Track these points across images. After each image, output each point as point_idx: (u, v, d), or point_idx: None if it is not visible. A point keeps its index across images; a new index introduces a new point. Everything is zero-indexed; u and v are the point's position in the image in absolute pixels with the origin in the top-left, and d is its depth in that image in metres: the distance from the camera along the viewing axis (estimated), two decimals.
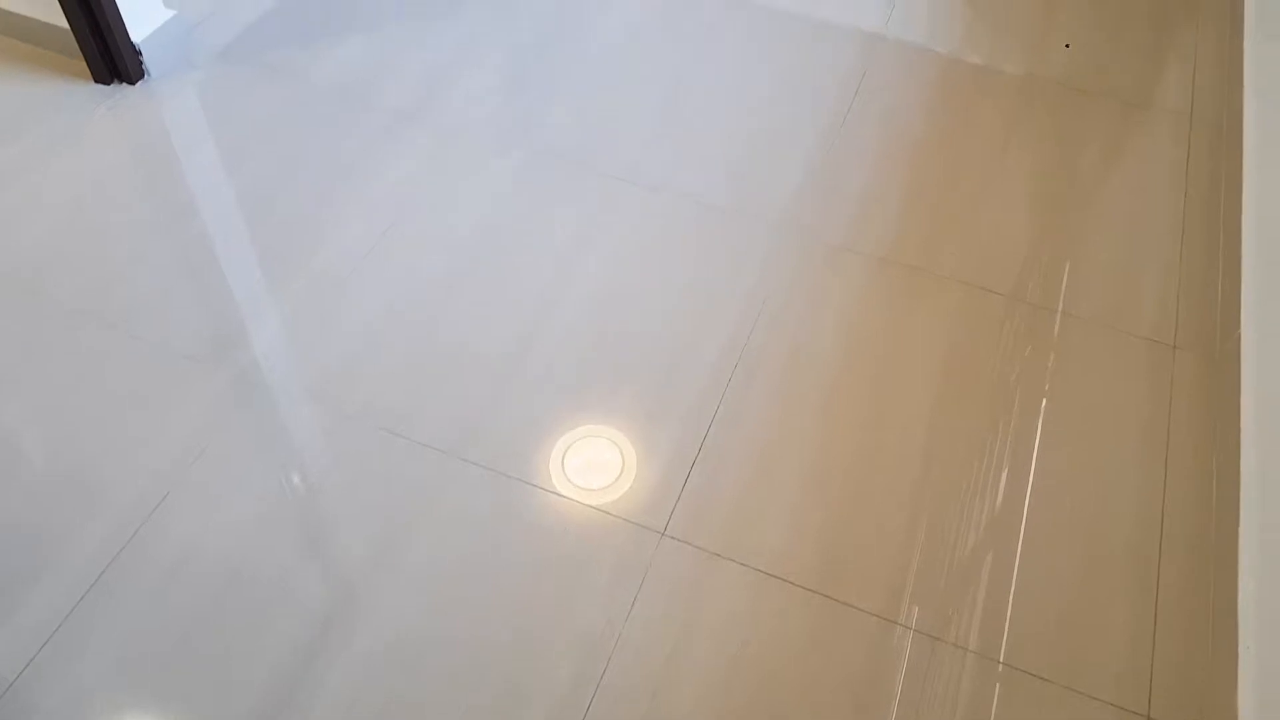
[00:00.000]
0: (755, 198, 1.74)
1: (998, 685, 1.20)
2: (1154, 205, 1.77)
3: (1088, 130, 1.90)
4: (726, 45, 2.03)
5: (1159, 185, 1.81)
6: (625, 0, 2.11)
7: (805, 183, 1.77)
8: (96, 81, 1.83)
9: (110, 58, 1.80)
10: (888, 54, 2.03)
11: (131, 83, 1.83)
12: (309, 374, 1.44)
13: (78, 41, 1.78)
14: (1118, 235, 1.72)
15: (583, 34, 2.03)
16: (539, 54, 1.98)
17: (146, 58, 1.82)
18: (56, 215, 1.62)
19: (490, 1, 2.09)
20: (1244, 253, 1.60)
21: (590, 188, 1.74)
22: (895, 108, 1.92)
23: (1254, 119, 1.78)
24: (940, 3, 2.17)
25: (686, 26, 2.06)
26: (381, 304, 1.54)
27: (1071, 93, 1.98)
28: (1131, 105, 1.96)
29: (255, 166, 1.73)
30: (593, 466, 1.37)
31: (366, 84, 1.89)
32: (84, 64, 1.84)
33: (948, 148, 1.85)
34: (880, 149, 1.84)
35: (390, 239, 1.63)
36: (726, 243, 1.67)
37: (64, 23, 1.79)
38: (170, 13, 1.85)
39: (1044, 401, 1.48)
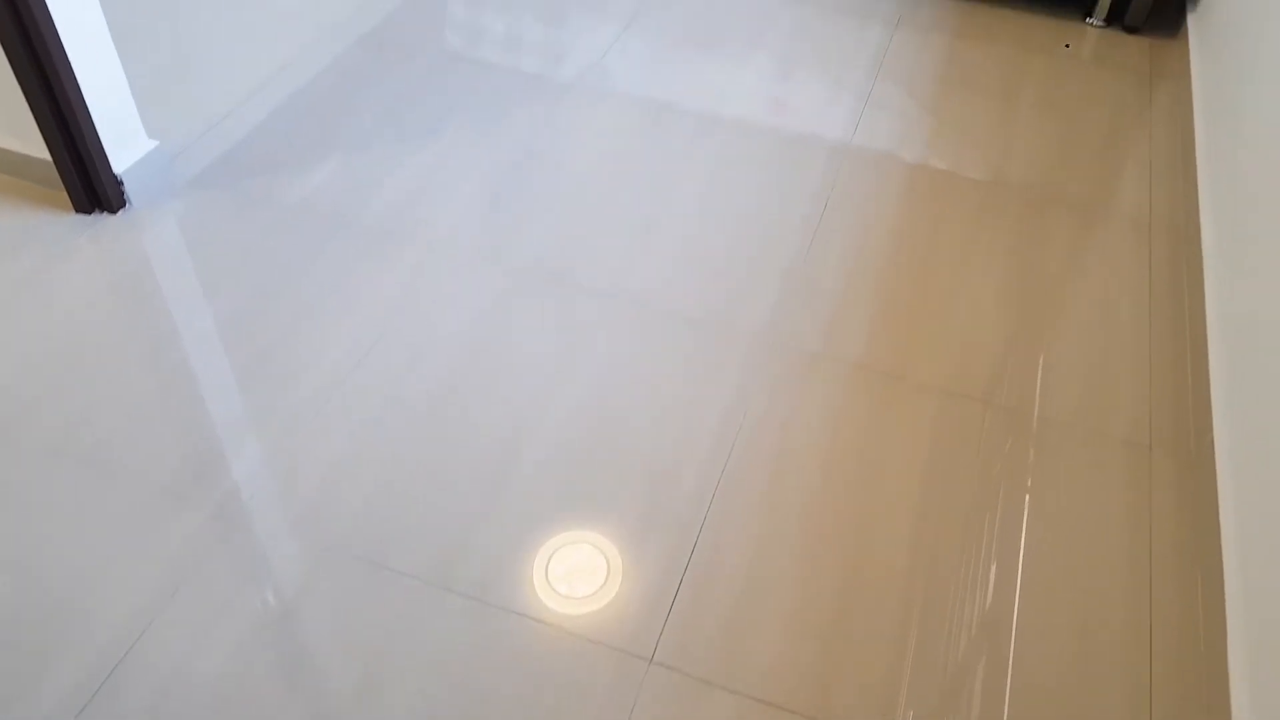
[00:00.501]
0: (733, 310, 1.76)
1: None
2: (1120, 308, 1.81)
3: (1051, 235, 1.95)
4: (701, 162, 2.08)
5: (1123, 289, 1.85)
6: (602, 121, 2.17)
7: (782, 294, 1.80)
8: (78, 211, 1.85)
9: (92, 188, 1.83)
10: (856, 162, 2.10)
11: (113, 212, 1.85)
12: (289, 504, 1.43)
13: (60, 173, 1.81)
14: (1087, 338, 1.75)
15: (561, 153, 2.08)
16: (518, 174, 2.03)
17: (128, 187, 1.85)
18: (35, 348, 1.62)
19: (467, 123, 2.14)
20: (1210, 353, 1.63)
21: (571, 304, 1.76)
22: (865, 216, 1.97)
23: (1210, 225, 1.84)
24: (904, 113, 2.25)
25: (661, 146, 2.12)
26: (362, 428, 1.54)
27: (1034, 198, 2.04)
28: (1092, 210, 2.02)
29: (236, 293, 1.74)
30: (578, 589, 1.35)
31: (346, 207, 1.92)
32: (65, 194, 1.87)
33: (917, 254, 1.89)
34: (852, 257, 1.88)
35: (370, 361, 1.64)
36: (707, 355, 1.68)
37: (46, 154, 1.81)
38: (153, 143, 1.88)
39: (1026, 507, 1.49)
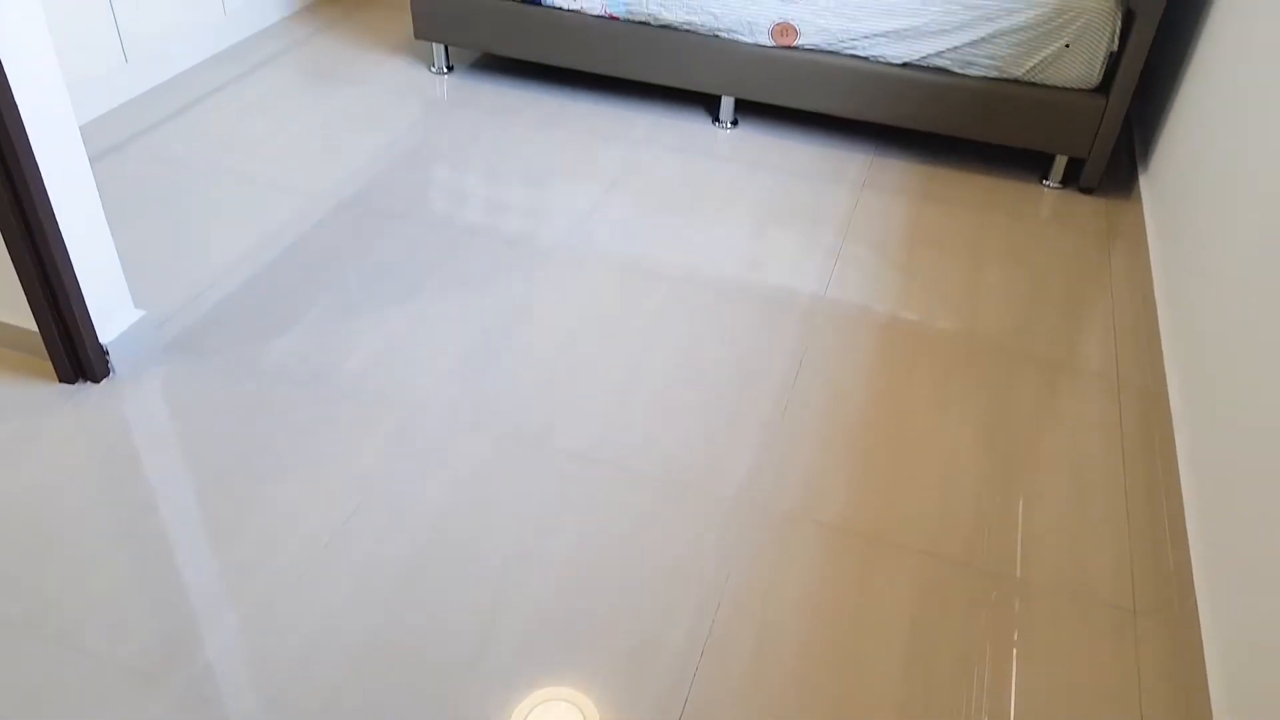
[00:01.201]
0: (713, 471, 1.78)
1: None
2: (1094, 467, 1.84)
3: (1022, 392, 2.00)
4: (678, 322, 2.14)
5: (1096, 448, 1.88)
6: (582, 283, 2.23)
7: (760, 453, 1.82)
8: (61, 381, 1.86)
9: (77, 358, 1.85)
10: (829, 319, 2.15)
11: (96, 381, 1.87)
12: (264, 679, 1.39)
13: (46, 344, 1.83)
14: (1065, 498, 1.77)
15: (541, 316, 2.13)
16: (499, 338, 2.07)
17: (113, 356, 1.87)
18: (7, 519, 1.60)
19: (449, 288, 2.20)
20: (1187, 514, 1.65)
21: (550, 469, 1.77)
22: (839, 373, 2.01)
23: (1177, 385, 1.89)
24: (874, 267, 2.33)
25: (640, 307, 2.18)
26: (339, 601, 1.51)
27: (1003, 355, 2.09)
28: (1061, 368, 2.07)
29: (214, 462, 1.74)
30: None
31: (327, 373, 1.94)
32: (50, 364, 1.88)
33: (892, 411, 1.92)
34: (828, 416, 1.91)
35: (348, 531, 1.63)
36: (686, 521, 1.68)
37: (33, 326, 1.84)
38: (140, 313, 1.92)
39: (1013, 675, 1.47)
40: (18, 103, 1.58)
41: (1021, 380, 2.03)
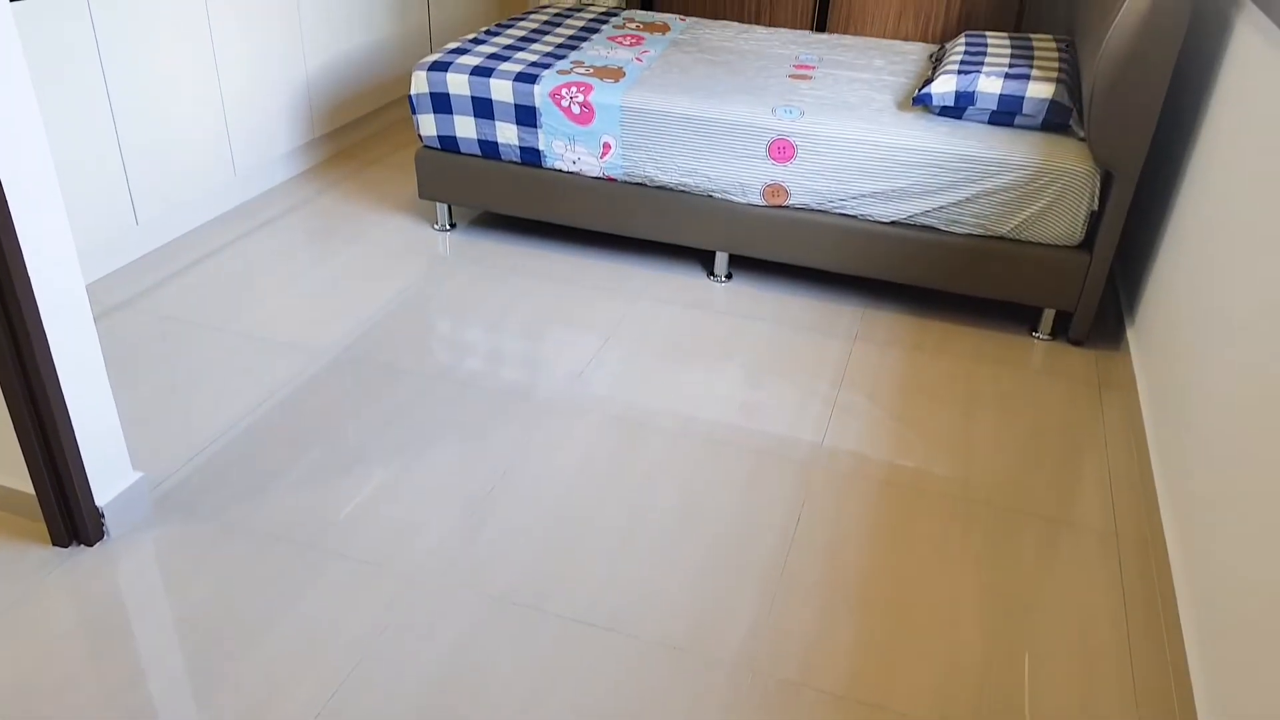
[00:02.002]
0: (710, 636, 1.74)
1: None
2: (1098, 626, 1.81)
3: (1022, 548, 1.98)
4: (676, 474, 2.14)
5: (1099, 606, 1.85)
6: (580, 436, 2.25)
7: (758, 616, 1.78)
8: (55, 544, 1.85)
9: (71, 521, 1.84)
10: (827, 471, 2.15)
11: (90, 544, 1.85)
12: None
13: (41, 506, 1.83)
14: (1069, 659, 1.73)
15: (540, 471, 2.13)
16: (497, 494, 2.06)
17: (108, 518, 1.86)
18: None
19: (447, 444, 2.21)
20: (1191, 670, 1.61)
21: (545, 632, 1.73)
22: (838, 527, 1.99)
23: (1175, 538, 1.88)
24: (871, 418, 2.35)
25: (638, 459, 2.18)
26: None
27: (1002, 508, 2.08)
28: (1059, 522, 2.06)
29: (206, 628, 1.71)
30: None
31: (322, 534, 1.93)
32: (43, 526, 1.87)
33: (891, 567, 1.90)
34: (828, 572, 1.88)
35: (342, 697, 1.58)
36: (683, 688, 1.64)
37: (28, 487, 1.84)
38: (137, 474, 1.92)
39: None
40: (28, 268, 1.63)
41: (1021, 535, 2.02)
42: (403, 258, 3.02)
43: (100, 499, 1.85)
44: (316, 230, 3.16)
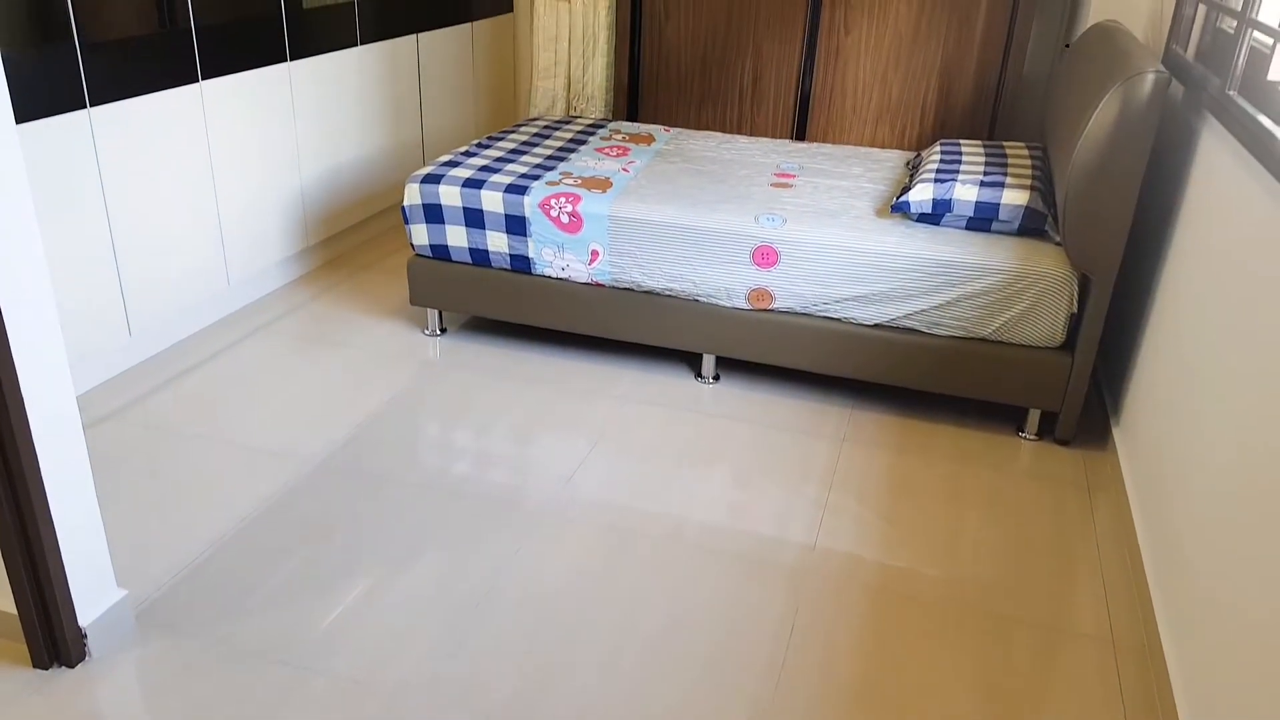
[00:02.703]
0: None
1: None
2: None
3: (1017, 655, 1.96)
4: (665, 583, 2.12)
5: (1097, 715, 1.83)
6: (569, 544, 2.23)
7: None
8: (35, 666, 1.81)
9: (54, 642, 1.80)
10: (819, 570, 2.14)
11: (71, 666, 1.82)
12: None
13: (23, 627, 1.79)
14: None
15: (528, 581, 2.11)
16: (485, 607, 2.04)
17: (90, 639, 1.83)
18: None
19: (435, 555, 2.19)
20: None
21: None
22: (831, 633, 1.97)
23: (1172, 646, 1.87)
24: (862, 520, 2.34)
25: (628, 567, 2.17)
26: None
27: (996, 615, 2.07)
28: (1053, 629, 2.04)
29: None
30: None
31: (306, 652, 1.90)
32: (24, 647, 1.84)
33: (886, 679, 1.87)
34: (821, 690, 1.85)
35: None
36: None
37: (10, 608, 1.81)
38: (122, 592, 1.89)
39: None
40: (21, 385, 1.64)
41: (1017, 643, 2.00)
42: (393, 363, 3.04)
43: (84, 619, 1.81)
44: (308, 336, 3.19)
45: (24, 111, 2.38)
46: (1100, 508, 2.46)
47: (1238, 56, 2.10)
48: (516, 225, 2.96)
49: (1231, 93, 2.11)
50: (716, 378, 3.03)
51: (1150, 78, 2.30)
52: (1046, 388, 2.67)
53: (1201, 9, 2.64)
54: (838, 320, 2.80)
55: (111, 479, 2.42)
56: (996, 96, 3.80)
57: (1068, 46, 3.78)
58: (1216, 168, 2.19)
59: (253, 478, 2.44)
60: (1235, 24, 2.19)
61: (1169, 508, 2.05)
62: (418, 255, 3.13)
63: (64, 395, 1.71)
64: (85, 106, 2.56)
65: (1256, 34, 2.16)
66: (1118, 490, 2.47)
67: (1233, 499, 1.69)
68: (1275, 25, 2.06)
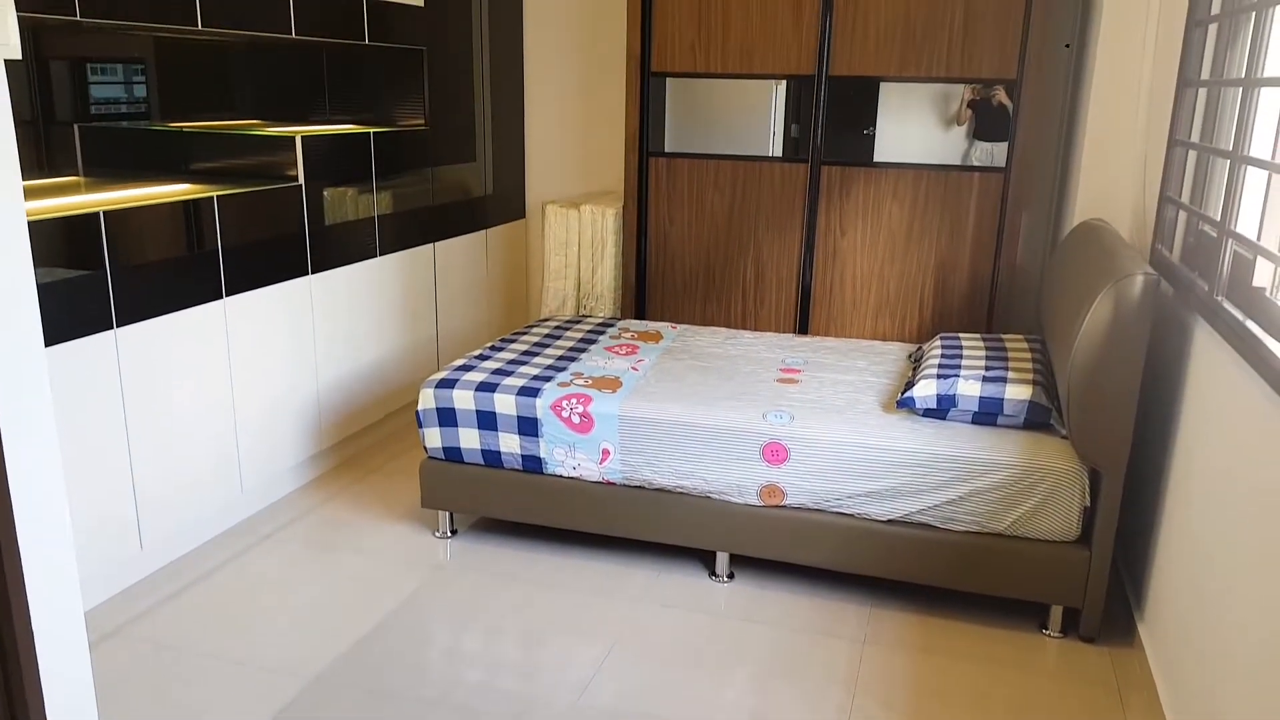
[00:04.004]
0: None
1: None
2: None
3: None
4: None
5: None
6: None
7: None
8: None
9: None
10: None
11: None
12: None
13: None
14: None
15: None
16: None
17: None
18: None
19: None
20: None
21: None
22: None
23: None
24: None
25: None
26: None
27: None
28: None
29: None
30: None
31: None
32: None
33: None
34: None
35: None
36: None
37: None
38: None
39: None
40: (31, 614, 1.62)
41: None
42: (403, 568, 3.01)
43: None
44: (319, 543, 3.17)
45: (53, 335, 2.47)
46: (1133, 711, 2.36)
47: (1222, 264, 2.19)
48: (528, 426, 3.01)
49: (1219, 298, 2.18)
50: (731, 576, 2.99)
51: (1140, 279, 2.39)
52: (1067, 583, 2.62)
53: (1183, 214, 2.76)
54: (851, 516, 2.79)
55: (115, 703, 2.35)
56: (992, 289, 3.92)
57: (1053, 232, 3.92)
58: (1212, 366, 2.24)
59: (255, 697, 2.37)
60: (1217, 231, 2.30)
61: (1202, 707, 1.97)
62: (430, 458, 3.16)
63: (73, 619, 1.69)
64: (112, 327, 2.66)
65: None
66: (1149, 688, 2.38)
67: (1266, 695, 1.63)
68: (1254, 236, 2.16)
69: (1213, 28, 2.58)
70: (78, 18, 2.54)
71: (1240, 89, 2.25)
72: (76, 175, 3.27)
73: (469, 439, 3.08)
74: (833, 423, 2.81)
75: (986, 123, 3.81)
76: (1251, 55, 2.22)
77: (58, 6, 2.50)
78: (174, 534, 3.02)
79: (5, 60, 1.63)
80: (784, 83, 4.02)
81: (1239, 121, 2.21)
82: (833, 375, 3.24)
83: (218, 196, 2.99)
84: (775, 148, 4.13)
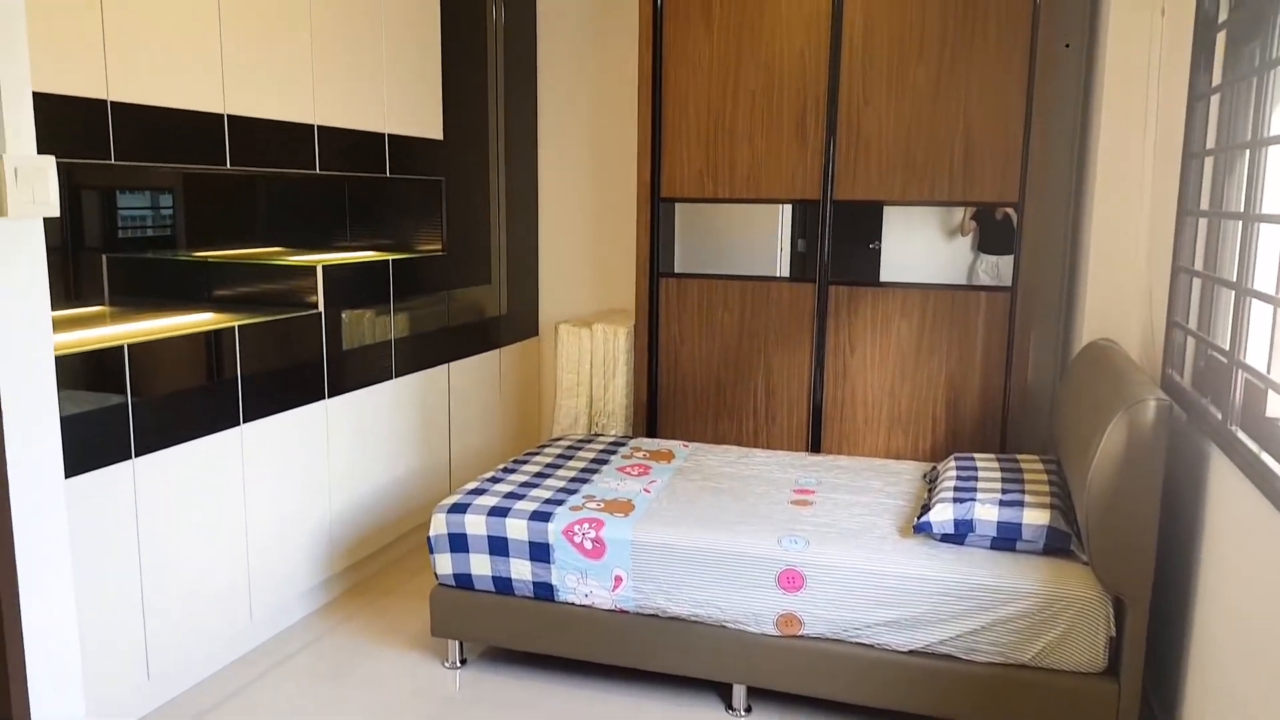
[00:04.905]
0: None
1: None
2: None
3: None
4: None
5: None
6: None
7: None
8: None
9: None
10: None
11: None
12: None
13: None
14: None
15: None
16: None
17: None
18: None
19: None
20: None
21: None
22: None
23: None
24: None
25: None
26: None
27: None
28: None
29: None
30: None
31: None
32: None
33: None
34: None
35: None
36: None
37: None
38: None
39: None
40: None
41: None
42: (411, 701, 2.95)
43: None
44: (326, 673, 3.11)
45: (73, 466, 2.49)
46: None
47: (1234, 394, 2.20)
48: (540, 552, 2.98)
49: (1234, 428, 2.18)
50: (749, 709, 2.91)
51: (1153, 404, 2.39)
52: (1097, 717, 2.54)
53: (1191, 340, 2.79)
54: (871, 646, 2.73)
55: None
56: (1004, 407, 3.93)
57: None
58: (1229, 496, 2.22)
59: None
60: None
61: None
62: (441, 585, 3.12)
63: None
64: (130, 458, 2.68)
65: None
66: None
67: None
68: (1263, 367, 2.17)
69: (1209, 160, 2.65)
70: (112, 161, 2.64)
71: (1241, 222, 2.30)
72: (103, 304, 3.34)
73: (480, 565, 3.05)
74: (849, 548, 2.78)
75: (991, 235, 3.88)
76: (1250, 188, 2.27)
77: (92, 149, 2.61)
78: (182, 664, 2.97)
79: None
80: (790, 206, 4.12)
81: (1241, 253, 2.25)
82: (847, 497, 3.22)
83: (239, 326, 3.05)
84: (783, 268, 4.20)
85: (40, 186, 1.72)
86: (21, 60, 1.78)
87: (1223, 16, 2.54)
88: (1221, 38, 2.55)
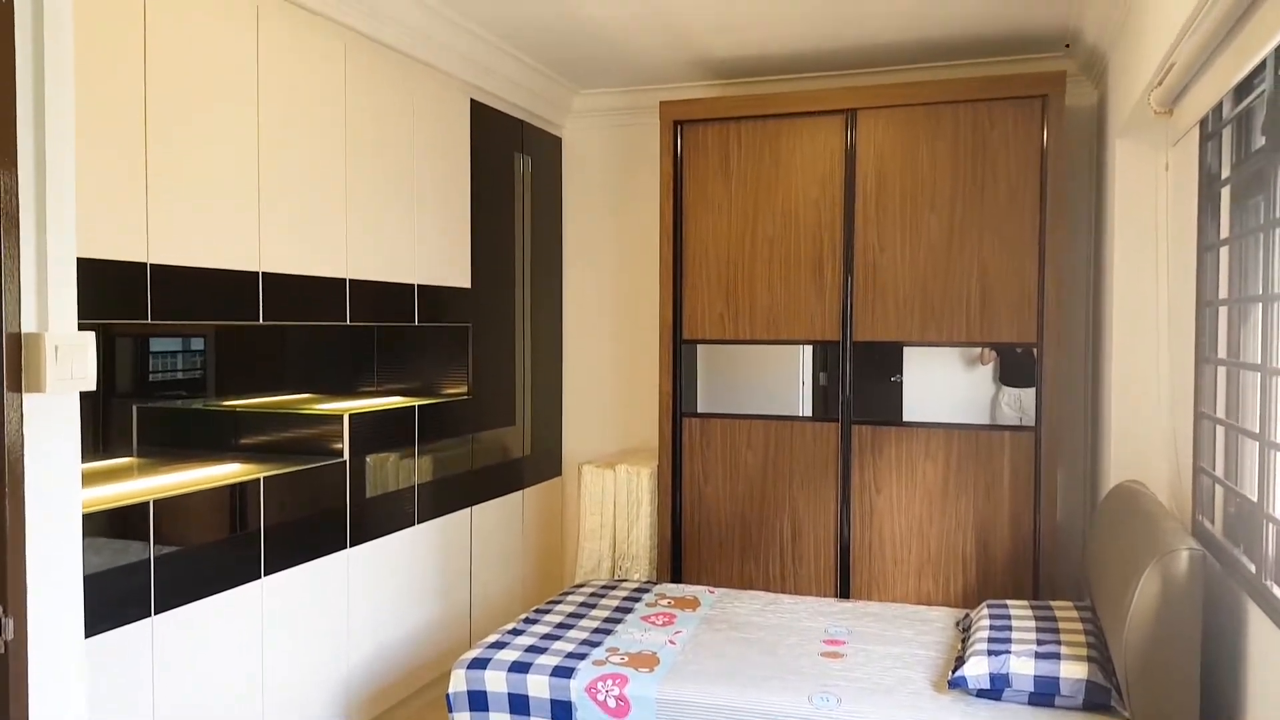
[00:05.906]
0: None
1: None
2: None
3: None
4: None
5: None
6: None
7: None
8: None
9: None
10: None
11: None
12: None
13: None
14: None
15: None
16: None
17: None
18: None
19: None
20: None
21: None
22: None
23: None
24: None
25: None
26: None
27: None
28: None
29: None
30: None
31: None
32: None
33: None
34: None
35: None
36: None
37: None
38: None
39: None
40: None
41: None
42: None
43: None
44: None
45: (93, 625, 2.48)
46: None
47: (1266, 546, 2.15)
48: (562, 711, 2.90)
49: (1268, 583, 2.13)
50: None
51: (1185, 555, 2.34)
52: None
53: (1219, 486, 2.75)
54: None
55: None
56: (1035, 549, 3.85)
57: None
58: (1270, 651, 2.14)
59: None
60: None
61: None
62: None
63: None
64: (150, 615, 2.67)
65: None
66: None
67: None
68: None
69: (1223, 309, 2.67)
70: (149, 320, 2.73)
71: (1259, 374, 2.30)
72: (131, 455, 3.39)
73: None
74: (883, 707, 2.69)
75: (1012, 367, 3.90)
76: (1264, 338, 2.28)
77: (129, 310, 2.70)
78: None
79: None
80: (810, 347, 4.17)
81: (1262, 403, 2.24)
82: (880, 648, 3.14)
83: (264, 478, 3.08)
84: (805, 407, 4.22)
85: (80, 363, 1.78)
86: (68, 239, 1.86)
87: (1225, 173, 2.61)
88: (1226, 192, 2.61)
